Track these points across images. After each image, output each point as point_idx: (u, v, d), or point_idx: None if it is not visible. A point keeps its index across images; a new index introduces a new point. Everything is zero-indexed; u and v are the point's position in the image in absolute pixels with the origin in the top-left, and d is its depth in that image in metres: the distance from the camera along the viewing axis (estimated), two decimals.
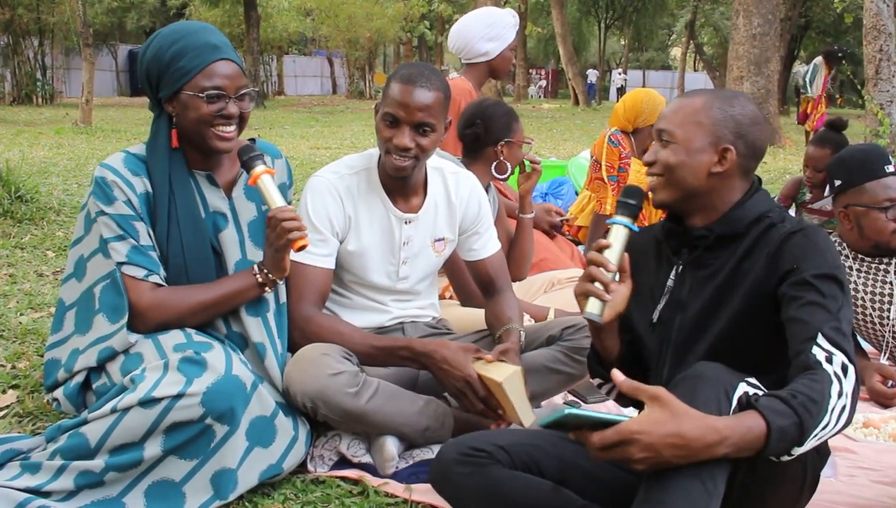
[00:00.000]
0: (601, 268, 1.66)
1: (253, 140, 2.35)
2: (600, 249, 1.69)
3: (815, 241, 1.63)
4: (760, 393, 1.48)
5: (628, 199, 1.76)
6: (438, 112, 2.23)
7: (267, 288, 2.16)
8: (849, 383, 1.46)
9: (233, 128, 2.14)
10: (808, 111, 12.48)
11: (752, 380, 1.51)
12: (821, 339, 1.50)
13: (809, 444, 1.41)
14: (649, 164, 1.76)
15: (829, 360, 1.47)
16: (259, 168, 2.10)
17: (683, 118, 1.72)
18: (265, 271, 2.13)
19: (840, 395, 1.44)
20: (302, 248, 2.08)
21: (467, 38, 3.79)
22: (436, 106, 2.22)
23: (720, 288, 1.71)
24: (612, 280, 1.68)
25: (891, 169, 2.76)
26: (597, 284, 1.66)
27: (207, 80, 2.08)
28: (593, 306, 1.67)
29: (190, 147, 2.18)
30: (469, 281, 2.74)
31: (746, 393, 1.46)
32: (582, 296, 1.68)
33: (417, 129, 2.21)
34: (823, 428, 1.41)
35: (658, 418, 1.37)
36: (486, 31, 3.75)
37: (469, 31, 3.80)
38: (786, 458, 1.42)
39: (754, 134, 1.72)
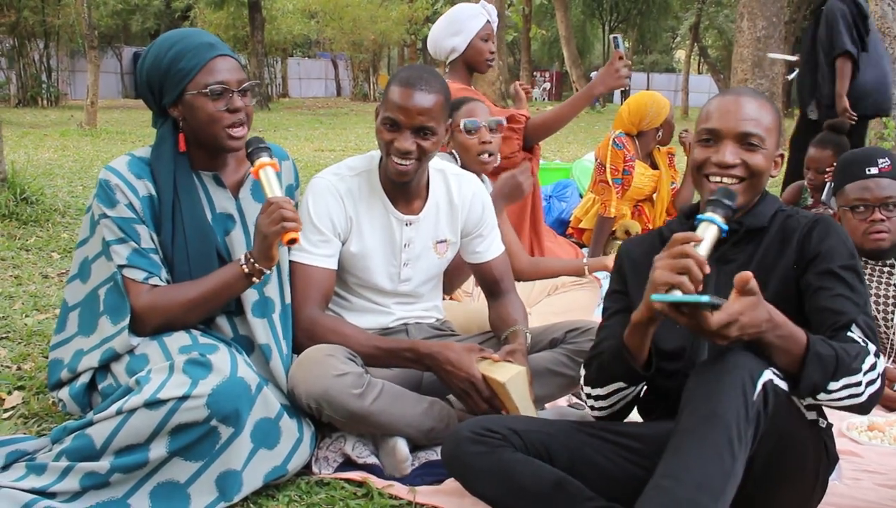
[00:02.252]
0: (696, 264, 1.50)
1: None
2: (690, 241, 1.55)
3: (840, 233, 1.71)
4: (782, 382, 1.53)
5: (722, 198, 1.65)
6: (438, 115, 2.23)
7: (254, 279, 2.12)
8: (881, 365, 1.54)
9: (243, 124, 2.15)
10: None
11: (775, 370, 1.53)
12: (854, 328, 1.58)
13: (838, 390, 1.51)
14: (729, 166, 1.73)
15: (865, 343, 1.57)
16: (263, 159, 2.09)
17: (769, 124, 1.77)
18: (252, 260, 2.09)
19: (873, 368, 1.52)
20: (292, 242, 2.03)
21: (435, 40, 3.83)
22: (435, 109, 2.22)
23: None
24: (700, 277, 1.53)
25: (873, 171, 2.77)
26: (685, 278, 1.50)
27: (210, 76, 2.09)
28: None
29: (196, 147, 2.18)
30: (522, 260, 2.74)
31: (771, 380, 1.50)
32: (664, 286, 1.51)
33: (418, 133, 2.21)
34: (857, 385, 1.51)
35: (754, 302, 1.45)
36: (448, 28, 3.78)
37: (435, 31, 3.84)
38: (821, 396, 1.52)
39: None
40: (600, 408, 1.84)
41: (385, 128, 2.23)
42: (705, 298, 1.41)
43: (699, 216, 1.64)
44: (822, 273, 1.64)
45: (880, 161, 2.78)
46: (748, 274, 1.45)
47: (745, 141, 1.75)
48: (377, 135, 2.27)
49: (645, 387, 1.88)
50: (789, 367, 1.52)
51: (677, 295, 1.45)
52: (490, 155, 3.10)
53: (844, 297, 1.61)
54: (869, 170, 2.78)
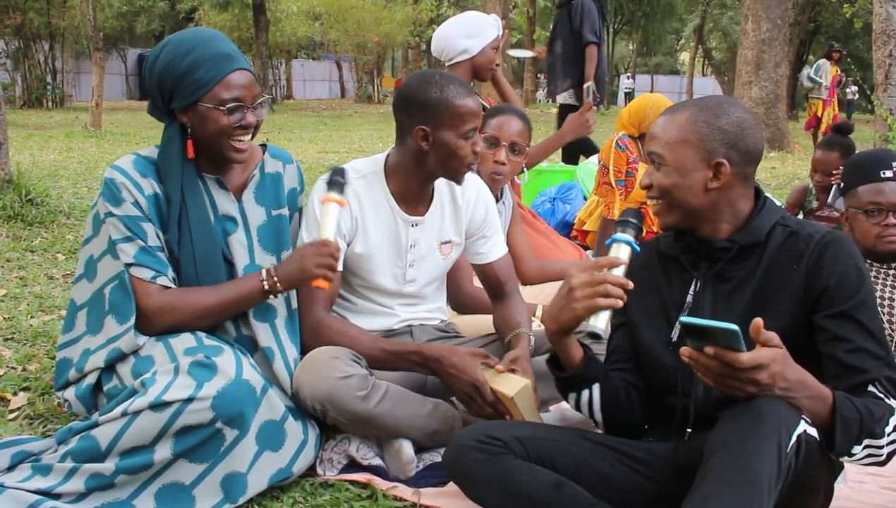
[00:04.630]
0: (615, 285, 1.64)
1: (264, 145, 2.36)
2: (609, 266, 1.68)
3: (852, 255, 1.63)
4: (813, 429, 1.49)
5: (628, 218, 1.76)
6: None
7: (272, 296, 2.16)
8: None
9: (249, 137, 2.15)
10: (820, 113, 12.43)
11: (808, 420, 1.50)
12: (877, 385, 1.56)
13: (860, 452, 1.49)
14: (646, 188, 1.76)
15: (888, 399, 1.55)
16: (332, 195, 2.12)
17: (670, 138, 1.71)
18: (275, 278, 2.13)
19: None
20: (318, 286, 2.12)
21: (446, 38, 3.80)
22: None
23: (752, 304, 1.69)
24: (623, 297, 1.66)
25: (887, 173, 2.73)
26: (609, 299, 1.64)
27: (227, 92, 2.08)
28: (600, 320, 1.66)
29: (201, 153, 2.18)
30: (461, 287, 2.74)
31: (805, 431, 1.46)
32: (587, 311, 1.66)
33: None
34: (879, 448, 1.49)
35: (784, 354, 1.45)
36: (465, 29, 3.77)
37: (448, 30, 3.82)
38: (845, 458, 1.51)
39: (746, 140, 1.70)
40: (595, 423, 1.88)
41: (465, 140, 2.25)
42: (734, 327, 1.38)
43: (614, 236, 1.74)
44: (837, 317, 1.59)
45: (895, 164, 2.74)
46: (759, 321, 1.42)
47: (652, 160, 1.75)
48: (457, 151, 2.26)
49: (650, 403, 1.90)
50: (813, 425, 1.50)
51: (701, 320, 1.43)
52: (500, 175, 3.10)
53: (866, 352, 1.56)
54: (884, 173, 2.72)
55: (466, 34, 3.76)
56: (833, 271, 1.61)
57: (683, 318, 1.43)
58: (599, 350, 1.93)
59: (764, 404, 1.44)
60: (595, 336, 1.67)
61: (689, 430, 1.76)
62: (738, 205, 1.73)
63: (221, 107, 2.07)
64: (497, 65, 3.84)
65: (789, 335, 1.61)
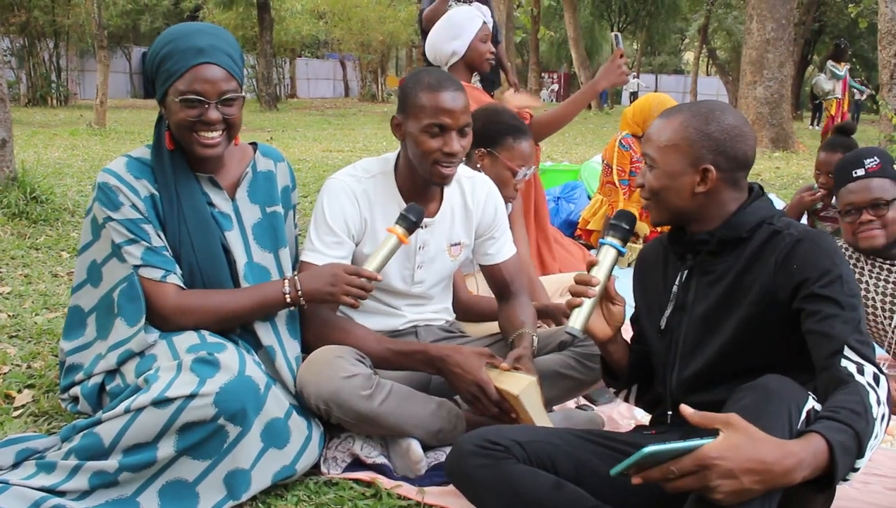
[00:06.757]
0: (586, 286, 1.79)
1: (254, 144, 2.35)
2: (589, 266, 1.83)
3: (824, 248, 1.63)
4: (819, 405, 1.47)
5: (620, 222, 1.85)
6: (470, 112, 2.27)
7: (292, 307, 2.18)
8: (882, 390, 1.48)
9: (216, 134, 2.10)
10: (834, 113, 12.43)
11: (814, 396, 1.49)
12: (848, 352, 1.51)
13: (866, 457, 1.41)
14: (640, 187, 1.83)
15: (861, 371, 1.49)
16: (399, 228, 2.16)
17: (662, 142, 1.77)
18: (299, 292, 2.14)
19: (879, 403, 1.45)
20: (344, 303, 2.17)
21: (434, 45, 3.84)
22: (468, 105, 2.25)
23: (725, 294, 1.73)
24: (596, 295, 1.79)
25: (859, 172, 2.77)
26: (582, 299, 1.78)
27: (185, 85, 2.05)
28: (574, 320, 1.78)
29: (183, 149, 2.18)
30: (460, 294, 2.73)
31: (813, 407, 1.45)
32: (566, 313, 1.81)
33: (461, 133, 2.23)
34: (875, 438, 1.42)
35: (736, 442, 1.29)
36: (447, 32, 3.78)
37: (434, 37, 3.85)
38: (851, 476, 1.38)
39: (735, 147, 1.73)
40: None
41: (429, 136, 2.21)
42: (650, 450, 1.25)
43: (601, 240, 1.86)
44: (807, 297, 1.60)
45: (867, 161, 2.77)
46: (683, 407, 1.34)
47: (646, 161, 1.82)
48: (417, 145, 2.23)
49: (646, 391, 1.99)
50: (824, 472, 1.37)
51: (660, 447, 1.31)
52: (514, 198, 3.06)
53: (833, 317, 1.56)
54: (856, 173, 2.78)
55: (450, 36, 3.77)
56: (804, 266, 1.63)
57: (616, 469, 1.36)
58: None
59: (769, 382, 1.45)
60: (571, 335, 1.83)
61: (670, 413, 1.82)
62: (726, 207, 1.77)
63: (177, 99, 2.06)
64: (491, 53, 3.82)
65: (755, 324, 1.67)
